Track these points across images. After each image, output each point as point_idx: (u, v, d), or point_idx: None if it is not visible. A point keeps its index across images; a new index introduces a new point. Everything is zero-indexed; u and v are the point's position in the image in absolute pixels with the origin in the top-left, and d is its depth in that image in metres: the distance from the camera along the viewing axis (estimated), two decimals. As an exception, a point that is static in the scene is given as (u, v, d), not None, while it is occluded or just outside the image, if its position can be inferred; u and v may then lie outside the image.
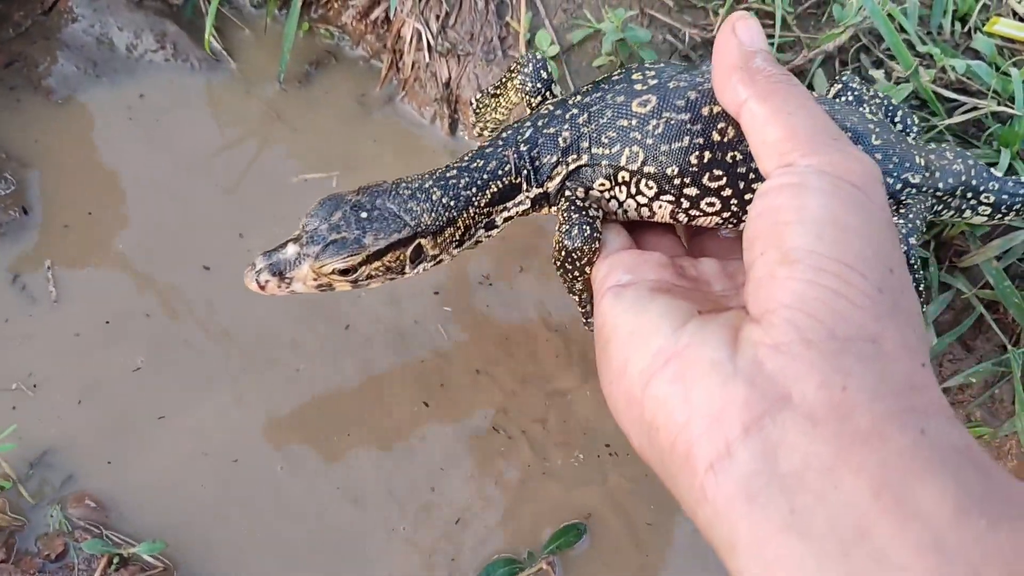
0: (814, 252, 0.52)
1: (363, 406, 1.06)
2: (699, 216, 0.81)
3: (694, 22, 1.25)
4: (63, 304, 1.07)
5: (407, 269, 0.83)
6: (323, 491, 1.01)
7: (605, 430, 1.08)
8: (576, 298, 0.89)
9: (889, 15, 1.14)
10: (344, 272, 0.80)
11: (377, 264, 0.81)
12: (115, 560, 0.91)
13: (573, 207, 0.80)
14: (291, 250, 0.80)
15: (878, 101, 0.96)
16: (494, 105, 1.00)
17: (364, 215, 0.81)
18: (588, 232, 0.78)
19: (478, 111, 1.05)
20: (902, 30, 1.18)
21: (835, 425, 0.48)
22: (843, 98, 0.97)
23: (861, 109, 0.93)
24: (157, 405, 1.03)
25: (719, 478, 0.50)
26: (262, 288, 0.81)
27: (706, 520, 0.51)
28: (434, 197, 0.83)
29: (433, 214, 0.82)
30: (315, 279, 0.81)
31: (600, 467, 1.07)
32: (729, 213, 0.80)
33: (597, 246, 0.78)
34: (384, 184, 0.84)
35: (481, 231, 0.89)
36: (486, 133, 1.10)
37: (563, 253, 0.80)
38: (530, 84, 0.91)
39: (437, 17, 1.26)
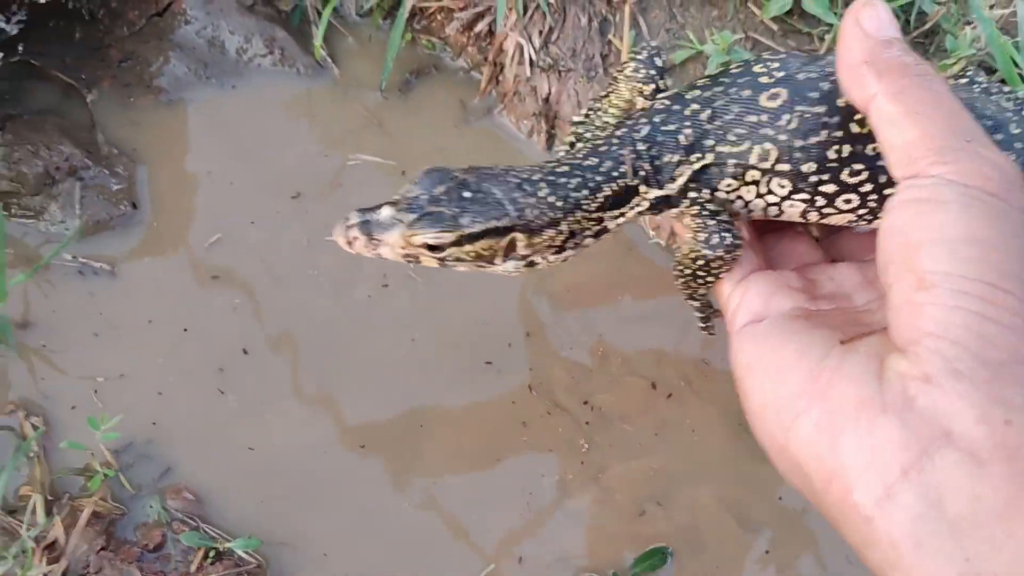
0: (951, 274, 0.49)
1: (457, 414, 1.06)
2: (833, 214, 0.75)
3: (798, 47, 1.24)
4: (158, 297, 1.08)
5: (497, 261, 0.78)
6: (412, 494, 1.01)
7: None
8: (696, 303, 0.85)
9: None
10: (433, 248, 0.76)
11: (469, 248, 0.76)
12: (211, 554, 0.92)
13: (706, 212, 0.76)
14: (386, 213, 0.76)
15: (1007, 93, 0.91)
16: (604, 107, 0.94)
17: (467, 195, 0.76)
18: (729, 240, 0.74)
19: (584, 121, 0.99)
20: (1014, 63, 1.16)
21: (1002, 465, 0.46)
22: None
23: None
24: (247, 401, 1.04)
25: (883, 524, 0.48)
26: (349, 244, 0.77)
27: (876, 565, 0.49)
28: (541, 192, 0.77)
29: (537, 210, 0.77)
30: (403, 248, 0.76)
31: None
32: (866, 210, 0.74)
33: (739, 252, 0.74)
34: (495, 168, 0.79)
35: (589, 238, 0.82)
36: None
37: (700, 262, 0.76)
38: (643, 71, 0.85)
39: (540, 32, 1.26)
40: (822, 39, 1.22)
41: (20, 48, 1.26)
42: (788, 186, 0.74)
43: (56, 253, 1.05)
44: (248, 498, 0.98)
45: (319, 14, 1.31)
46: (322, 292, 1.13)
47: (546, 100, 1.27)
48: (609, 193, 0.79)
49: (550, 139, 1.30)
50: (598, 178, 0.79)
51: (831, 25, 1.20)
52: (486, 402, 1.09)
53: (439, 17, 1.34)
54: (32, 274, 1.01)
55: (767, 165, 0.74)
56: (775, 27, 1.23)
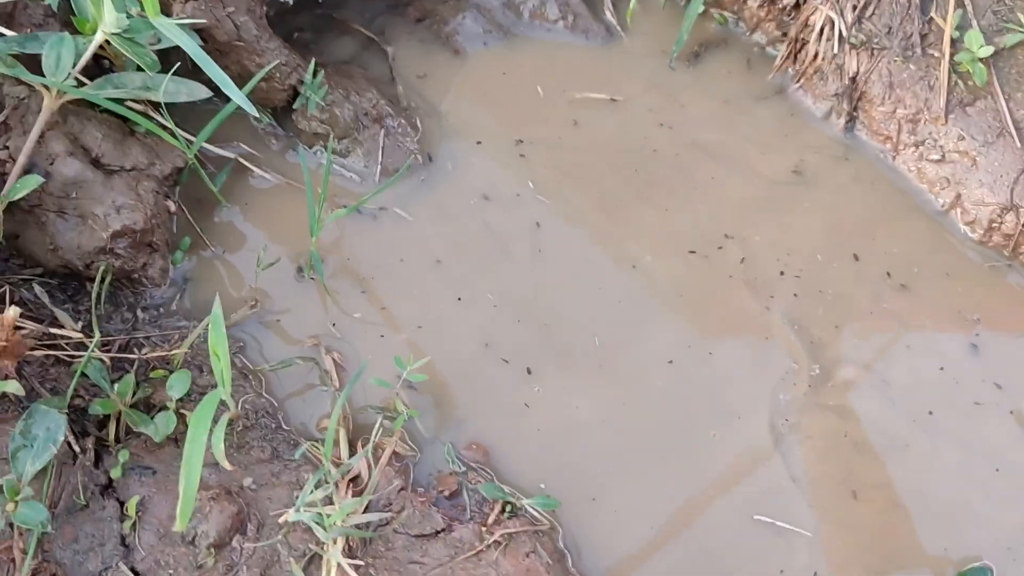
0: None
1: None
2: None
3: None
4: (447, 246, 1.07)
5: None
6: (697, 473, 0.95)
7: None
8: None
9: None
10: None
11: None
12: (507, 508, 0.89)
13: None
14: None
15: None
16: None
17: None
18: None
19: None
20: None
21: None
22: None
23: None
24: (537, 367, 1.00)
25: None
26: None
27: None
28: None
29: None
30: None
31: None
32: None
33: None
34: None
35: None
36: None
37: None
38: None
39: (854, 7, 1.18)
40: None
41: (320, 1, 1.28)
42: None
43: (373, 195, 1.05)
44: (535, 461, 0.95)
45: (611, -19, 1.27)
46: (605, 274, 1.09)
47: (852, 80, 1.19)
48: None
49: (850, 121, 1.21)
50: None
51: None
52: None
53: (734, -12, 1.27)
54: (352, 210, 1.01)
55: None
56: None
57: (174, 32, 0.88)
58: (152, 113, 1.00)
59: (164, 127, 0.99)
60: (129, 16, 0.94)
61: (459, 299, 1.05)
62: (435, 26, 1.24)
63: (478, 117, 1.18)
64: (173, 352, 0.89)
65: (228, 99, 0.94)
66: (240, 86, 1.02)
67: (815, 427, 0.98)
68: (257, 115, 0.90)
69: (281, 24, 1.25)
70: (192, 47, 0.87)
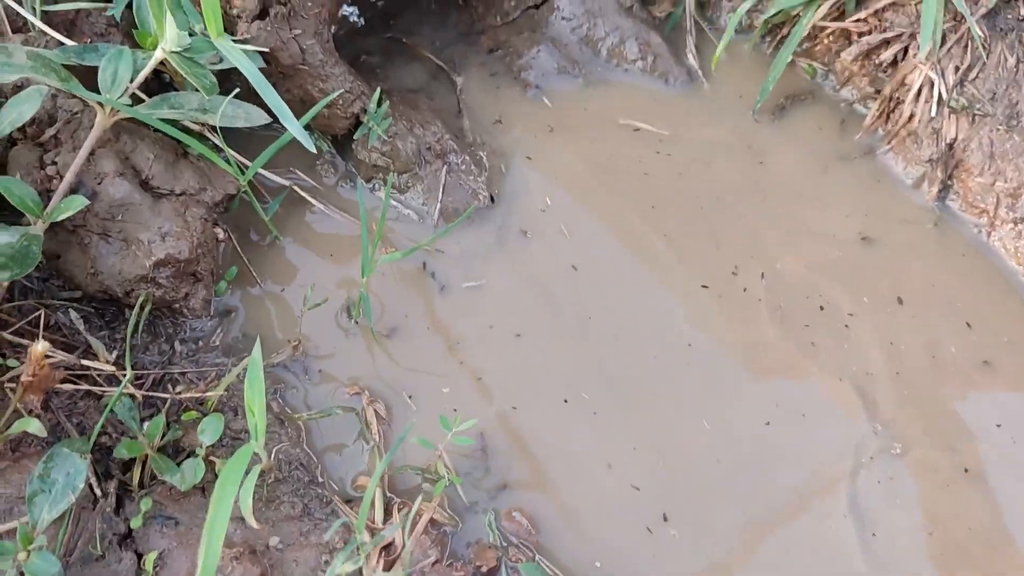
0: None
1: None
2: None
3: None
4: (507, 302, 1.01)
5: None
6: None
7: None
8: None
9: None
10: None
11: None
12: (548, 593, 0.82)
13: None
14: None
15: None
16: None
17: None
18: None
19: None
20: None
21: None
22: None
23: None
24: (581, 431, 0.93)
25: None
26: None
27: None
28: None
29: None
30: None
31: None
32: None
33: None
34: None
35: None
36: None
37: None
38: None
39: (956, 68, 1.10)
40: None
41: (392, 24, 1.23)
42: None
43: (434, 240, 0.99)
44: (584, 534, 0.87)
45: (696, 23, 1.21)
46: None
47: (949, 146, 1.10)
48: None
49: (943, 190, 1.12)
50: None
51: None
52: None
53: (827, 40, 1.20)
54: (407, 255, 0.95)
55: None
56: None
57: (236, 56, 0.83)
58: (209, 134, 0.95)
59: (219, 151, 0.94)
60: (192, 34, 0.89)
61: (513, 357, 0.98)
62: (508, 58, 1.18)
63: (549, 159, 1.11)
64: (208, 394, 0.83)
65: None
66: (301, 111, 0.97)
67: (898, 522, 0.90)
68: (313, 149, 0.84)
69: (349, 46, 1.20)
70: (253, 73, 0.82)
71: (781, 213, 1.10)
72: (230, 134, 0.94)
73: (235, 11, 0.94)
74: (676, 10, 1.23)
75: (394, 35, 1.23)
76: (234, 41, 0.89)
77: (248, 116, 0.91)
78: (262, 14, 0.94)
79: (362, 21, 1.26)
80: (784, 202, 1.12)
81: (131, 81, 0.87)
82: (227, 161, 0.92)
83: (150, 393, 0.84)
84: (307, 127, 0.86)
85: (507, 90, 1.17)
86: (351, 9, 1.26)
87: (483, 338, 0.98)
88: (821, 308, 1.03)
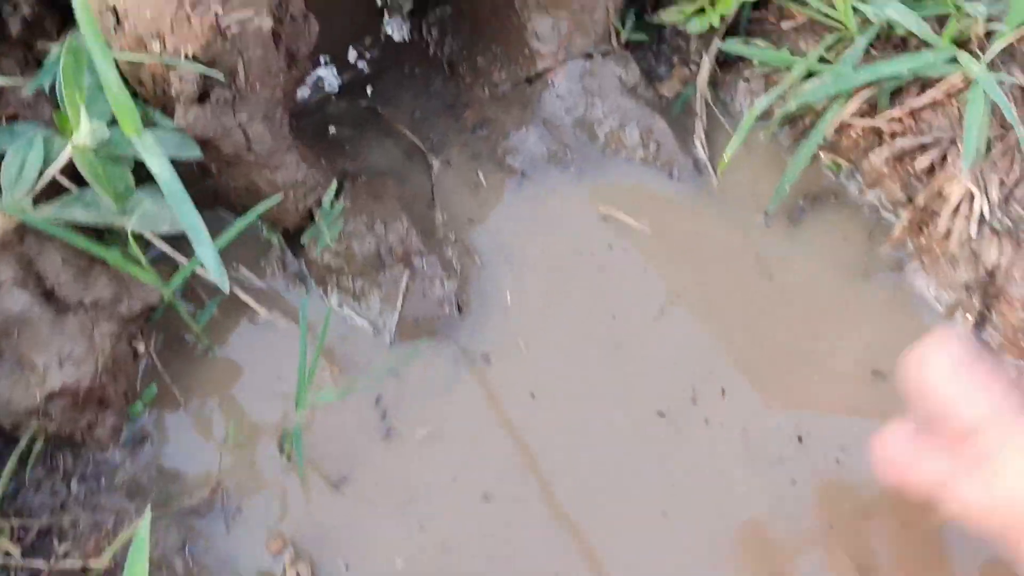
0: None
1: None
2: None
3: None
4: (457, 452, 0.87)
5: None
6: None
7: None
8: None
9: None
10: None
11: None
12: None
13: None
14: None
15: None
16: None
17: None
18: None
19: None
20: None
21: None
22: None
23: None
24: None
25: None
26: None
27: None
28: None
29: None
30: None
31: None
32: None
33: None
34: None
35: None
36: None
37: None
38: None
39: (1002, 183, 0.95)
40: None
41: (369, 91, 1.10)
42: None
43: (392, 370, 0.86)
44: None
45: (708, 106, 1.06)
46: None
47: (989, 273, 0.95)
48: None
49: (980, 321, 0.97)
50: None
51: None
52: None
53: (854, 135, 1.05)
54: (343, 395, 0.82)
55: None
56: None
57: (152, 158, 0.70)
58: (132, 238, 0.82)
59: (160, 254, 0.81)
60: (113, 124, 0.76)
61: (488, 519, 0.85)
62: (493, 138, 1.04)
63: (524, 261, 0.97)
64: (92, 564, 0.70)
65: (236, 211, 0.82)
66: (248, 200, 0.85)
67: None
68: (227, 288, 0.71)
69: (319, 113, 1.07)
70: (167, 180, 0.69)
71: (782, 337, 0.96)
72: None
73: (174, 92, 0.81)
74: (686, 90, 1.08)
75: (370, 103, 1.09)
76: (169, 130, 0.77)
77: (175, 219, 0.78)
78: (202, 97, 0.81)
79: (338, 84, 1.12)
80: (787, 321, 0.98)
81: (40, 177, 0.75)
82: (148, 269, 0.79)
83: (24, 563, 0.70)
84: (220, 264, 0.72)
85: (490, 177, 1.03)
86: (326, 71, 1.12)
87: (446, 495, 0.84)
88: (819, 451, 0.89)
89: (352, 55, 1.14)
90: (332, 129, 1.06)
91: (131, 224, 0.71)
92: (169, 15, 0.72)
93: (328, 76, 1.12)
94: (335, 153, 1.01)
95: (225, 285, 0.71)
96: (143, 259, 0.74)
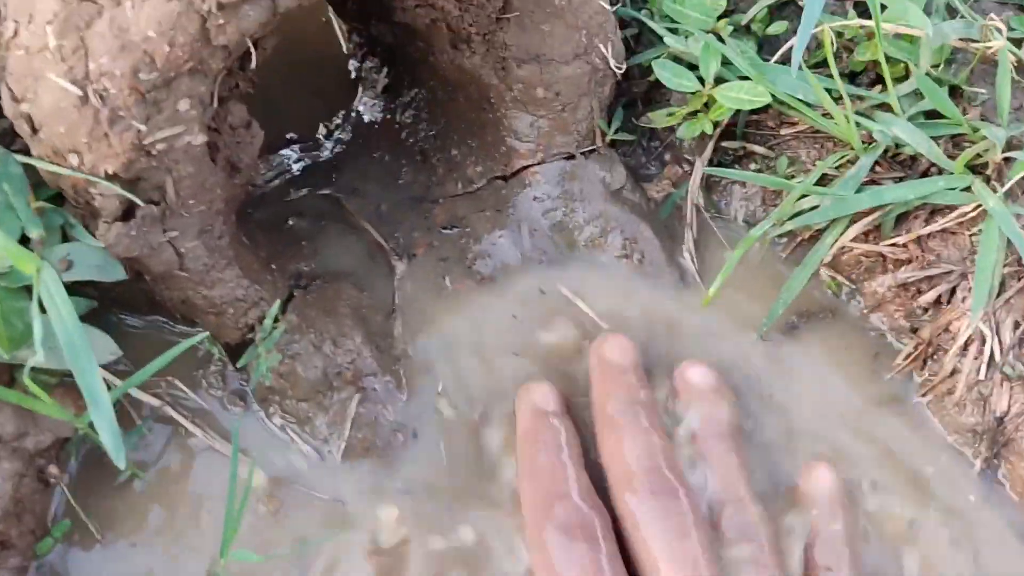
0: None
1: None
2: None
3: None
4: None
5: None
6: None
7: None
8: None
9: None
10: None
11: None
12: None
13: None
14: None
15: None
16: None
17: None
18: None
19: None
20: None
21: None
22: None
23: None
24: None
25: None
26: None
27: None
28: None
29: None
30: None
31: None
32: None
33: None
34: None
35: None
36: None
37: None
38: None
39: (1016, 325, 0.86)
40: None
41: (334, 178, 1.02)
42: None
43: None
44: None
45: (698, 212, 0.98)
46: None
47: (1000, 420, 0.86)
48: None
49: (988, 467, 0.88)
50: None
51: None
52: None
53: (857, 252, 0.96)
54: (269, 558, 0.74)
55: None
56: None
57: (53, 305, 0.61)
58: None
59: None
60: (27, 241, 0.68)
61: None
62: (463, 240, 0.96)
63: (476, 380, 0.89)
64: None
65: (173, 319, 0.77)
66: (184, 312, 0.77)
67: None
68: (123, 466, 0.62)
69: (277, 203, 0.99)
70: (67, 333, 0.61)
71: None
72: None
73: (96, 206, 0.73)
74: (677, 190, 1.00)
75: (334, 192, 1.01)
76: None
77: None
78: (127, 214, 0.73)
79: (302, 166, 1.04)
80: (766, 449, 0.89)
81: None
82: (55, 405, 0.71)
83: None
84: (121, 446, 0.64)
85: (458, 283, 0.94)
86: (289, 152, 1.04)
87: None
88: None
89: (320, 134, 1.06)
90: (291, 222, 0.98)
91: (32, 361, 0.63)
92: (85, 132, 0.64)
93: (291, 158, 1.04)
94: (292, 252, 0.93)
95: (121, 462, 0.62)
96: (45, 396, 0.66)
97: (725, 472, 0.77)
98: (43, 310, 0.66)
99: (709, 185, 1.02)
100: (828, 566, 0.76)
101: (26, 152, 0.70)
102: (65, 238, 0.74)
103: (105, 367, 0.75)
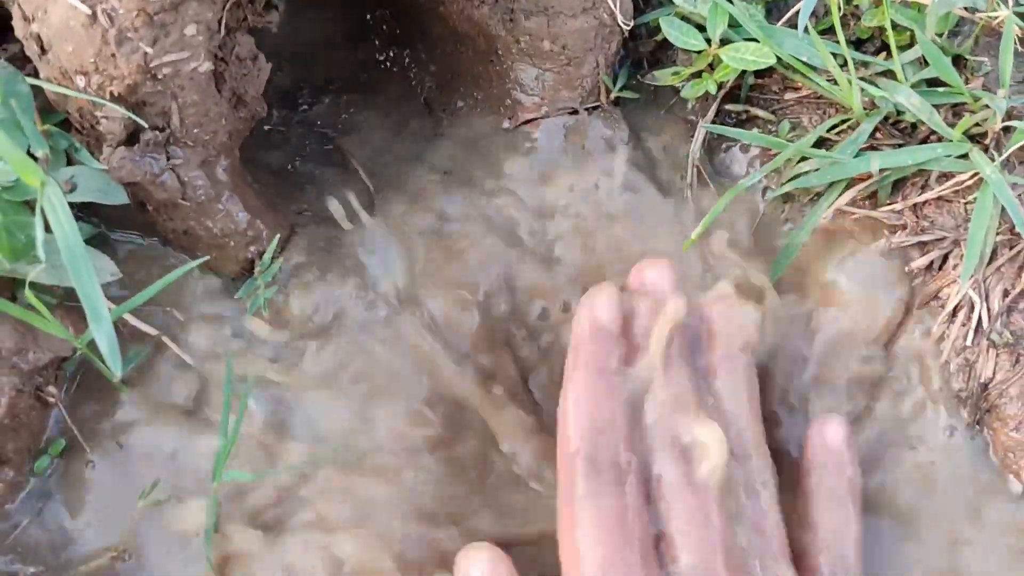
0: None
1: None
2: None
3: None
4: None
5: None
6: None
7: None
8: None
9: None
10: None
11: None
12: None
13: None
14: None
15: None
16: None
17: None
18: None
19: None
20: None
21: None
22: None
23: None
24: None
25: None
26: None
27: None
28: None
29: None
30: None
31: None
32: None
33: None
34: None
35: None
36: None
37: None
38: None
39: (1005, 293, 0.87)
40: None
41: (339, 126, 1.03)
42: None
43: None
44: None
45: (699, 173, 0.99)
46: None
47: (984, 387, 0.88)
48: None
49: (976, 429, 0.90)
50: None
51: None
52: None
53: (853, 217, 0.97)
54: (257, 477, 0.75)
55: None
56: None
57: (55, 218, 0.63)
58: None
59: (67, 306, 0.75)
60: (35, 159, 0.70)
61: None
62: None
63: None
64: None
65: (174, 247, 0.81)
66: (185, 243, 0.79)
67: None
68: (118, 376, 0.64)
69: (284, 144, 1.00)
70: (69, 245, 0.62)
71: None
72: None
73: (102, 130, 0.74)
74: (678, 151, 1.01)
75: (338, 139, 1.02)
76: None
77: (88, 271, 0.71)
78: (132, 139, 0.74)
79: (308, 111, 1.05)
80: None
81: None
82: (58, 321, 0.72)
83: None
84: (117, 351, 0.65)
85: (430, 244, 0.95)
86: (298, 97, 1.05)
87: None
88: None
89: (329, 81, 1.07)
90: (296, 162, 0.99)
91: (31, 276, 0.64)
92: (92, 52, 0.65)
93: (300, 104, 1.05)
94: (295, 193, 0.94)
95: (118, 370, 0.64)
96: (46, 312, 0.67)
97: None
98: (48, 230, 0.67)
99: (711, 148, 1.03)
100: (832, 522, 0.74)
101: (35, 78, 0.71)
102: (69, 162, 0.75)
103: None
